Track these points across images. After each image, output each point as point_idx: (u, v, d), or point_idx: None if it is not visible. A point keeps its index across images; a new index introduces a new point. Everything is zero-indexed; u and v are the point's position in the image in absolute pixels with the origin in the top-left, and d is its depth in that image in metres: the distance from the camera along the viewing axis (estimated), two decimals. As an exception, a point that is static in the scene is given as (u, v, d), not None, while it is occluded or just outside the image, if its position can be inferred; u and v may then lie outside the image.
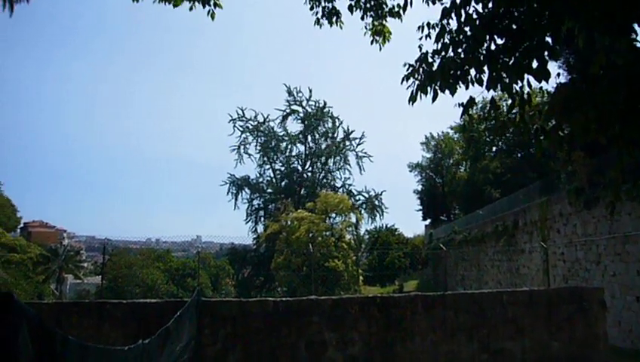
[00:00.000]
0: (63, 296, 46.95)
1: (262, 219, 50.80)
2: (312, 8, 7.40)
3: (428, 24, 5.21)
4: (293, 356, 10.80)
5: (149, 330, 8.94)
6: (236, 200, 51.16)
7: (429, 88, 5.13)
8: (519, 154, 41.31)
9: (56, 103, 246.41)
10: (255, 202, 51.91)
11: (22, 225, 74.98)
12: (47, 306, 10.89)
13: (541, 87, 4.48)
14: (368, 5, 6.74)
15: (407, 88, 5.25)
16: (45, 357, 3.69)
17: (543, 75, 4.32)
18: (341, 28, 7.42)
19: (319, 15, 7.42)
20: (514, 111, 4.84)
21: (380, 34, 7.21)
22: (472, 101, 5.05)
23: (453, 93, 5.00)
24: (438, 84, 5.07)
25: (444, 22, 5.04)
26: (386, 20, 7.07)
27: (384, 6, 6.80)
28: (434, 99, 5.15)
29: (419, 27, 5.26)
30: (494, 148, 45.63)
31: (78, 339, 4.53)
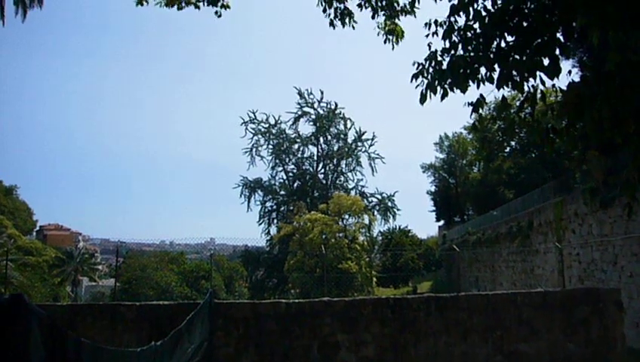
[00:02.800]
0: (78, 299, 47.47)
1: (275, 221, 50.88)
2: (324, 10, 7.39)
3: (435, 21, 5.16)
4: (306, 357, 10.78)
5: (161, 332, 8.99)
6: (249, 202, 51.38)
7: (438, 87, 5.09)
8: (533, 154, 40.90)
9: (68, 106, 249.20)
10: (268, 204, 52.02)
11: (37, 228, 75.97)
12: (60, 308, 11.00)
13: (554, 85, 4.41)
14: (379, 4, 6.70)
15: (417, 87, 5.22)
16: (57, 357, 3.71)
17: (554, 71, 4.26)
18: (353, 28, 7.41)
19: (332, 16, 7.41)
20: (525, 109, 4.78)
21: (392, 33, 7.17)
22: (481, 100, 5.00)
23: (464, 90, 4.95)
24: (448, 82, 5.03)
25: (452, 19, 5.00)
26: (398, 19, 7.03)
27: (395, 4, 6.76)
28: (443, 97, 5.11)
29: (426, 24, 5.22)
30: (508, 149, 45.24)
31: (91, 341, 4.55)
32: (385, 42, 7.24)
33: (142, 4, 7.57)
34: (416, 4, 5.86)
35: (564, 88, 4.29)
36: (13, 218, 59.96)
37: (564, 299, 12.35)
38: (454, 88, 5.03)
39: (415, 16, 6.64)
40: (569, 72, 4.50)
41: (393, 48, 7.28)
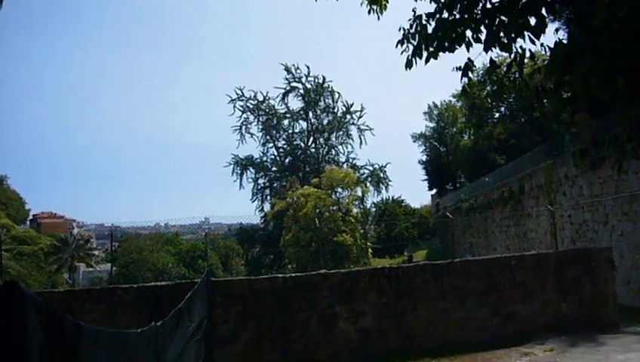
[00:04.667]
0: (76, 285, 47.56)
1: (268, 197, 50.96)
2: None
3: None
4: (305, 331, 10.90)
5: (161, 313, 9.02)
6: (241, 180, 51.36)
7: (424, 52, 5.03)
8: (522, 119, 40.98)
9: (57, 93, 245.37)
10: (260, 181, 52.04)
11: (31, 217, 75.64)
12: (58, 294, 10.98)
13: (542, 44, 4.37)
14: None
15: (402, 53, 5.16)
16: (56, 344, 3.71)
17: (540, 30, 4.22)
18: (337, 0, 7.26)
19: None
20: (513, 72, 4.75)
21: (376, 2, 7.04)
22: (470, 63, 4.96)
23: (452, 51, 4.91)
24: (435, 45, 4.97)
25: None
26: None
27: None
28: (427, 60, 5.06)
29: None
30: (497, 114, 45.27)
31: (90, 325, 4.55)
32: (369, 13, 7.11)
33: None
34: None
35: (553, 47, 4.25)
36: (6, 208, 59.63)
37: (557, 260, 12.53)
38: (441, 52, 4.98)
39: None
40: (556, 31, 4.46)
41: (379, 19, 7.16)
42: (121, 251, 42.74)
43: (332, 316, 11.07)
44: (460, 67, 4.97)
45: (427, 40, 4.96)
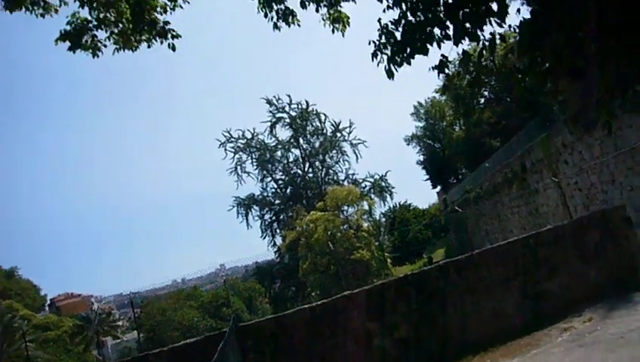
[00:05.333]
0: (106, 360, 47.16)
1: (277, 231, 50.84)
2: (266, 15, 7.35)
3: None
4: (343, 355, 10.79)
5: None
6: (247, 219, 51.23)
7: (399, 58, 5.12)
8: (508, 99, 41.14)
9: (51, 171, 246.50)
10: (266, 216, 51.94)
11: (48, 302, 75.35)
12: (92, 373, 10.92)
13: (510, 26, 4.45)
14: (319, -6, 6.69)
15: (379, 65, 5.24)
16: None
17: (503, 13, 4.30)
18: (299, 26, 7.39)
19: (275, 19, 7.38)
20: (486, 58, 4.81)
21: (338, 21, 7.17)
22: (444, 60, 5.04)
23: (425, 53, 4.99)
24: (407, 50, 5.06)
25: None
26: (340, 6, 7.03)
27: (334, -8, 6.76)
28: (401, 64, 5.13)
29: None
30: (482, 100, 45.48)
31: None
32: (333, 32, 7.24)
33: (97, 56, 7.50)
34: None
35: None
36: (22, 298, 59.42)
37: (574, 229, 12.47)
38: (415, 55, 5.06)
39: (355, 2, 6.65)
40: (518, 11, 4.53)
41: (343, 35, 7.29)
42: (145, 316, 42.54)
43: (366, 334, 10.98)
44: (435, 66, 5.05)
45: (398, 47, 5.04)
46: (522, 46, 4.13)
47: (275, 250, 48.92)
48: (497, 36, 4.72)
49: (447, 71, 5.13)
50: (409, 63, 5.02)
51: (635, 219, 14.82)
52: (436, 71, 5.09)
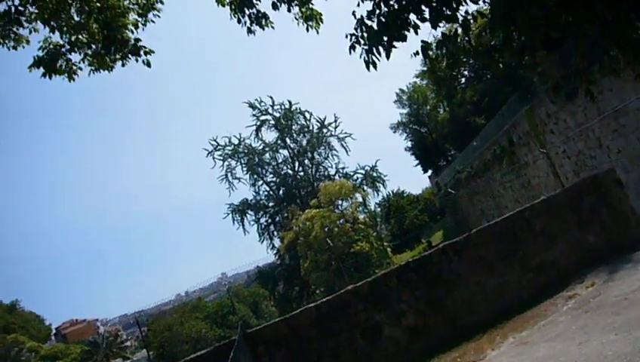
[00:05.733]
0: (119, 381, 46.97)
1: (274, 233, 50.83)
2: (239, 21, 7.34)
3: None
4: (353, 349, 10.82)
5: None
6: (243, 225, 51.15)
7: (380, 48, 5.13)
8: (488, 76, 41.36)
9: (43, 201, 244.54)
10: (262, 220, 51.86)
11: (54, 331, 74.93)
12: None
13: (484, 1, 4.48)
14: (289, -5, 6.69)
15: (360, 57, 5.25)
16: None
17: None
18: (273, 28, 7.39)
19: (248, 24, 7.38)
20: (461, 38, 4.84)
21: (311, 19, 7.18)
22: (426, 44, 5.05)
23: (404, 40, 5.00)
24: (386, 40, 5.07)
25: None
26: (311, 3, 7.04)
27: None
28: (387, 56, 5.14)
29: None
30: (463, 79, 45.69)
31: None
32: (307, 30, 7.25)
33: (72, 80, 7.45)
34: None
35: None
36: (27, 331, 59.00)
37: (567, 197, 12.56)
38: (393, 42, 5.07)
39: None
40: None
41: (318, 32, 7.30)
42: (152, 334, 42.34)
43: (375, 326, 11.01)
44: (417, 52, 5.06)
45: (377, 36, 5.05)
46: (495, 22, 4.15)
47: (275, 252, 48.94)
48: (472, 15, 4.75)
49: (429, 54, 5.16)
50: (388, 54, 5.03)
51: (625, 181, 14.98)
52: (418, 57, 5.11)
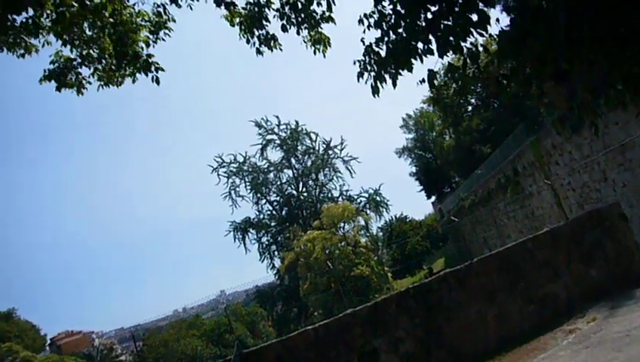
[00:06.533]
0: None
1: (275, 252, 50.68)
2: (248, 41, 7.43)
3: (365, 15, 5.26)
4: (350, 374, 10.67)
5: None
6: (245, 243, 51.03)
7: (386, 76, 5.17)
8: (495, 104, 41.54)
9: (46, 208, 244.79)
10: (264, 239, 51.79)
11: (49, 341, 74.27)
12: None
13: (490, 35, 4.52)
14: (299, 19, 6.78)
15: (366, 83, 5.30)
16: None
17: (484, 24, 4.36)
18: (281, 50, 7.47)
19: (257, 45, 7.47)
20: (470, 67, 4.88)
21: (319, 42, 7.26)
22: (432, 73, 5.09)
23: (410, 69, 5.04)
24: (393, 67, 5.11)
25: (379, 7, 5.11)
26: (320, 27, 7.12)
27: (314, 15, 6.85)
28: (394, 84, 5.19)
29: (359, 21, 5.31)
30: (470, 107, 45.88)
31: None
32: (315, 53, 7.33)
33: (81, 93, 7.50)
34: (333, 5, 5.98)
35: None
36: (22, 340, 58.52)
37: (571, 229, 12.48)
38: (401, 71, 5.12)
39: (335, 23, 6.76)
40: (497, 20, 4.60)
41: (325, 56, 7.38)
42: (148, 349, 41.98)
43: (372, 351, 10.87)
44: (424, 80, 5.10)
45: (385, 64, 5.10)
46: (502, 54, 4.19)
47: (275, 272, 48.70)
48: (479, 46, 4.79)
49: (435, 82, 5.20)
50: (395, 81, 5.07)
51: (629, 216, 14.90)
52: (424, 84, 5.15)
